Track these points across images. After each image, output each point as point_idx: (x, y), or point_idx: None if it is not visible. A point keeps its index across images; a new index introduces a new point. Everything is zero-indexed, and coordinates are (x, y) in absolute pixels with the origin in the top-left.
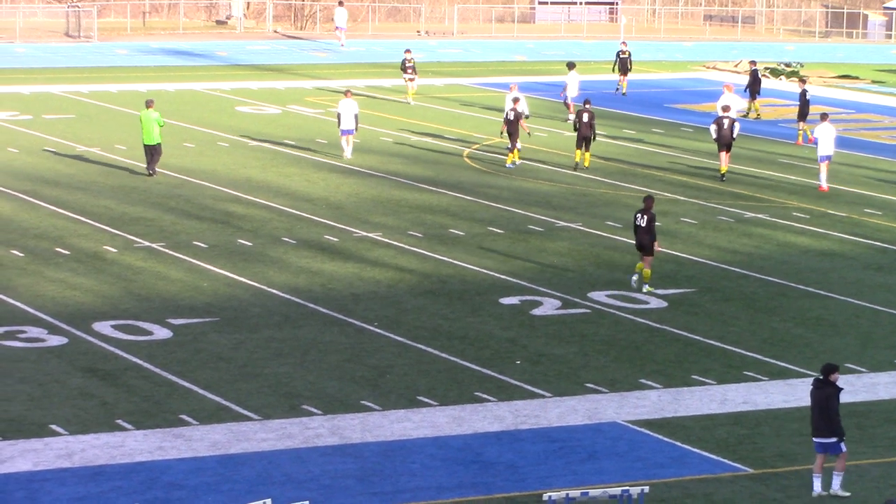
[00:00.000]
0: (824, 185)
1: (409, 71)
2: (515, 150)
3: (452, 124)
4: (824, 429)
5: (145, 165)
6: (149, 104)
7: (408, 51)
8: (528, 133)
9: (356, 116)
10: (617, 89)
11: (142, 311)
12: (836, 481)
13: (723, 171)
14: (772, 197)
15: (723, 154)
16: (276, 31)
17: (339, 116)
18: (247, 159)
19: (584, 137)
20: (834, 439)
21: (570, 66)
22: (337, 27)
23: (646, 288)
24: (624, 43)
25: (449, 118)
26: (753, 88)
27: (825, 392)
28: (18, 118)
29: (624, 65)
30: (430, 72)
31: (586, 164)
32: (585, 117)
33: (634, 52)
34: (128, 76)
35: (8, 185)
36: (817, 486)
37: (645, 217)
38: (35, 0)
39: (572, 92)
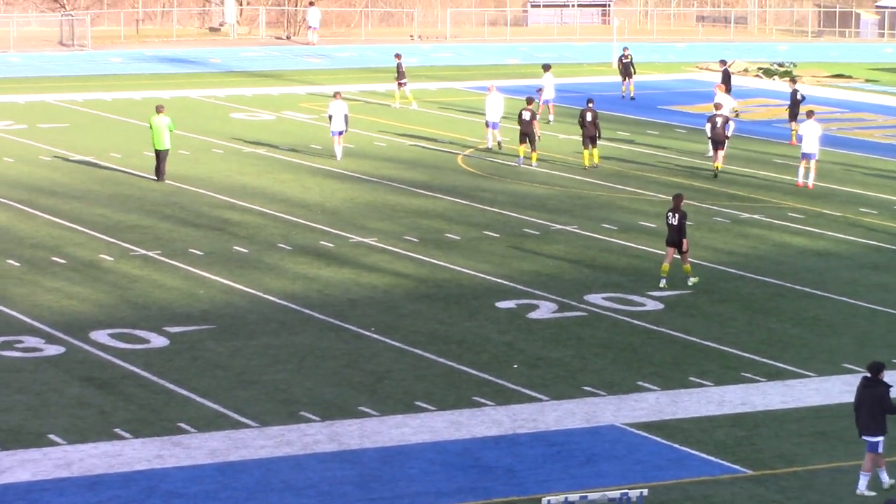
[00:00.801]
0: (801, 180)
1: (402, 76)
2: (533, 153)
3: (446, 128)
4: (874, 427)
5: (148, 172)
6: (159, 109)
7: (398, 55)
8: (538, 137)
9: (346, 117)
10: (623, 95)
11: (139, 320)
12: (864, 482)
13: (717, 167)
14: (767, 197)
15: (719, 152)
16: (288, 38)
17: (330, 118)
18: (242, 166)
19: (591, 136)
20: (881, 437)
21: (546, 67)
22: (310, 26)
23: (691, 280)
24: (626, 48)
25: (443, 122)
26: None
27: (877, 391)
28: (13, 127)
29: (627, 69)
30: (424, 76)
31: (596, 160)
32: (589, 116)
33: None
34: (122, 84)
35: (3, 194)
36: (863, 484)
37: (676, 215)
38: (29, 9)
39: (548, 94)
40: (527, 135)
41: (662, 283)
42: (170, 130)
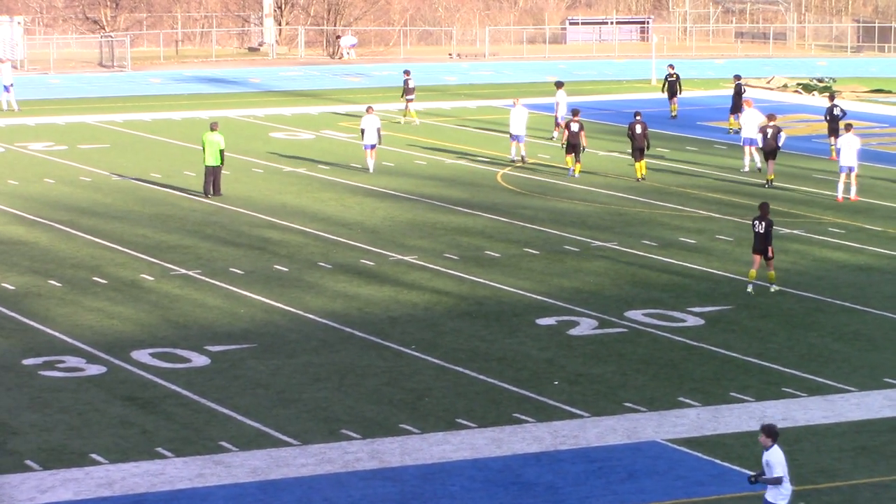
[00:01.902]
0: (841, 195)
1: (410, 93)
2: (577, 165)
3: (486, 146)
4: None
5: (189, 192)
6: (213, 127)
7: (406, 72)
8: (584, 148)
9: (378, 131)
10: (673, 115)
11: (180, 339)
12: None
13: (769, 178)
14: (807, 213)
15: (770, 162)
16: (343, 56)
17: (362, 132)
18: (281, 185)
19: (639, 148)
20: None
21: (559, 85)
22: (342, 46)
23: (773, 288)
24: (671, 66)
25: (482, 140)
26: (736, 103)
27: None
28: (54, 149)
29: (672, 87)
30: (463, 94)
31: (643, 172)
32: (639, 128)
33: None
34: (161, 105)
35: (45, 215)
36: None
37: (763, 223)
38: (69, 31)
39: (561, 110)
40: (574, 146)
41: (750, 288)
42: (220, 149)
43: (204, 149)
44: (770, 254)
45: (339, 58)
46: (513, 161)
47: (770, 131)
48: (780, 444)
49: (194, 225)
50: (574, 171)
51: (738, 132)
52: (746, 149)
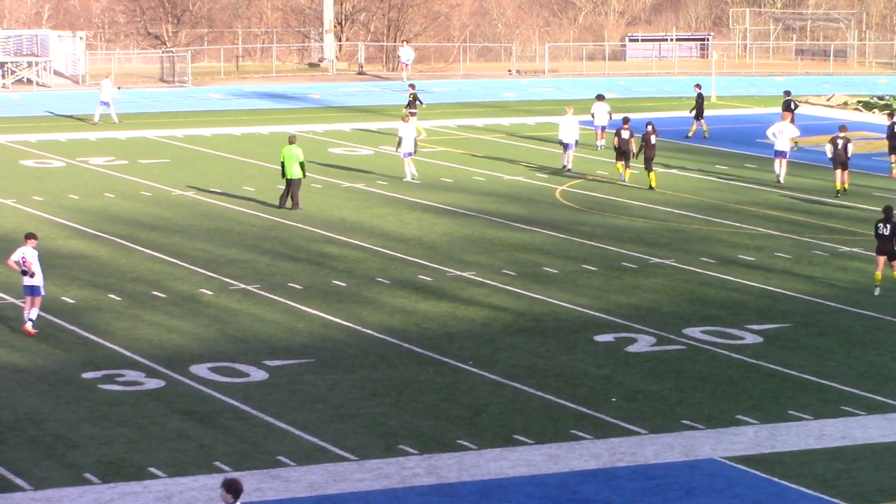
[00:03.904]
0: None
1: (414, 107)
2: (627, 170)
3: (545, 162)
4: None
5: (249, 208)
6: (292, 140)
7: (412, 85)
8: (634, 153)
9: (415, 140)
10: (705, 136)
11: (238, 353)
12: None
13: (839, 188)
14: (866, 231)
15: (838, 172)
16: (404, 68)
17: (400, 140)
18: (340, 200)
19: (650, 157)
20: None
21: (600, 97)
22: (402, 62)
23: (876, 291)
24: (698, 86)
25: (541, 157)
26: (699, 110)
27: None
28: (114, 163)
29: (700, 107)
30: (522, 111)
31: (654, 184)
32: (653, 139)
33: (726, 87)
34: (221, 120)
35: (105, 229)
36: None
37: (888, 226)
38: (130, 46)
39: (600, 120)
40: (625, 153)
41: (877, 291)
42: (299, 161)
43: (283, 162)
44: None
45: (401, 69)
46: (565, 167)
47: (840, 142)
48: (838, 462)
49: (253, 240)
50: (625, 176)
51: (798, 147)
52: (777, 161)
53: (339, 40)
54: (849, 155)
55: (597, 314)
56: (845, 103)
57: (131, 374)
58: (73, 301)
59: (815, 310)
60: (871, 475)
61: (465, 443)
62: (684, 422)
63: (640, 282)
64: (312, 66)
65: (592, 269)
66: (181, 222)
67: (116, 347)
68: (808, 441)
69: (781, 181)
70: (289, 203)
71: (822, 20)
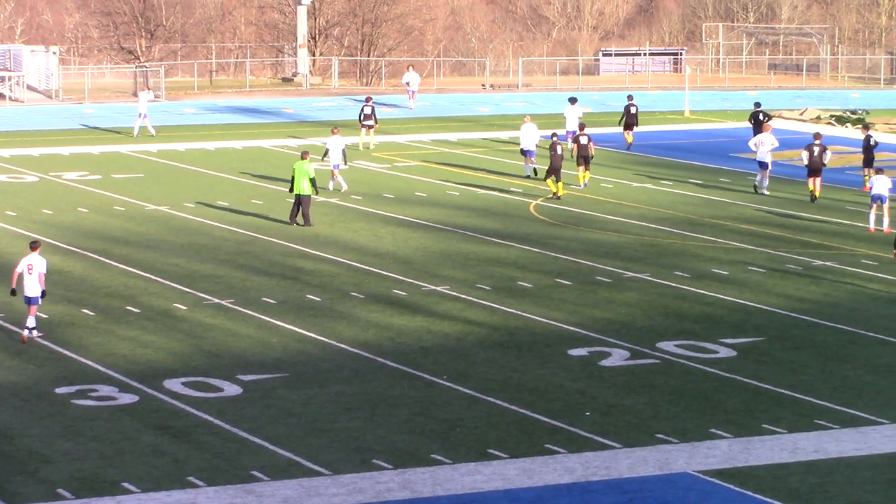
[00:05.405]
0: (873, 226)
1: (369, 119)
2: (587, 173)
3: (519, 177)
4: None
5: (221, 222)
6: (304, 156)
7: (368, 99)
8: (593, 156)
9: (343, 152)
10: (629, 145)
11: (212, 368)
12: None
13: (813, 191)
14: (840, 244)
15: (812, 179)
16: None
17: (326, 151)
18: (315, 215)
19: (584, 156)
20: None
21: (572, 101)
22: (410, 90)
23: None
24: (630, 97)
25: (516, 170)
26: (628, 122)
27: None
28: (88, 178)
29: (631, 118)
30: (496, 125)
31: (587, 180)
32: (584, 139)
33: (700, 102)
34: (195, 134)
35: (79, 244)
36: None
37: None
38: (103, 61)
39: (571, 125)
40: (584, 157)
41: None
42: (309, 177)
43: (294, 177)
44: None
45: (411, 98)
46: (528, 177)
47: (816, 150)
48: (812, 476)
49: (227, 254)
50: (586, 179)
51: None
52: (760, 173)
53: (313, 55)
54: (825, 161)
55: (571, 328)
56: (818, 117)
57: (105, 389)
58: (46, 316)
59: (789, 323)
60: (844, 489)
61: (439, 457)
62: (658, 436)
63: (615, 296)
64: (286, 80)
65: (567, 283)
66: (155, 237)
67: (90, 362)
68: (782, 455)
69: (765, 192)
70: (300, 219)
71: (795, 35)
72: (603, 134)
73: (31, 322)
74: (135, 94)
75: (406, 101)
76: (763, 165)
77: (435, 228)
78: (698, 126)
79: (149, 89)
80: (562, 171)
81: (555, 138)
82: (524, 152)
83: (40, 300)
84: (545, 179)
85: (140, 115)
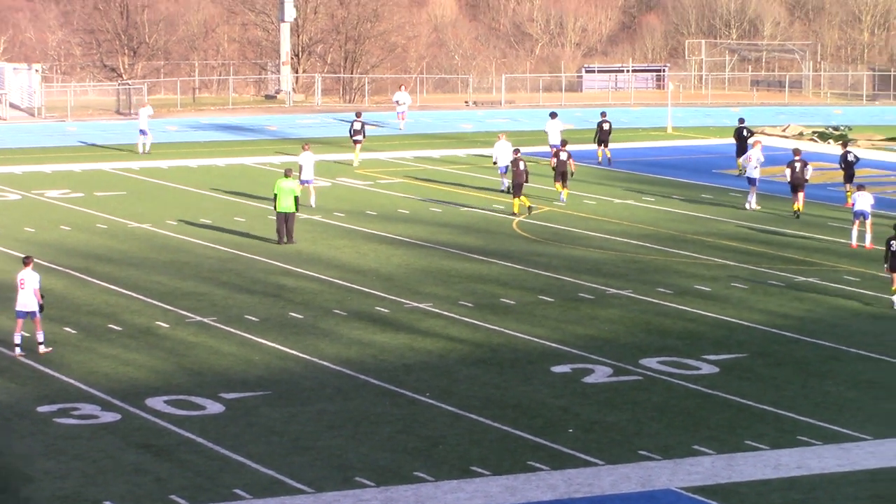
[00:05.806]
0: (855, 242)
1: (358, 134)
2: (565, 189)
3: (501, 194)
4: None
5: (201, 239)
6: (287, 174)
7: (358, 114)
8: (573, 173)
9: (312, 167)
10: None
11: (194, 386)
12: None
13: (797, 209)
14: (822, 260)
15: (797, 195)
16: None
17: (300, 168)
18: (297, 232)
19: (562, 172)
20: None
21: (552, 115)
22: (399, 111)
23: None
24: (603, 114)
25: (498, 187)
26: (601, 138)
27: None
28: (70, 195)
29: (604, 134)
30: (479, 142)
31: (566, 194)
32: (564, 155)
33: (682, 118)
34: (178, 152)
35: (61, 262)
36: None
37: None
38: (86, 78)
39: (553, 139)
40: (563, 174)
41: None
42: (294, 195)
43: (276, 195)
44: None
45: (400, 118)
46: (503, 191)
47: (798, 166)
48: (794, 492)
49: (209, 272)
50: (564, 195)
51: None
52: (752, 188)
53: (296, 72)
54: (807, 177)
55: (553, 345)
56: (801, 134)
57: (87, 408)
58: (28, 334)
59: (772, 340)
60: None
61: (421, 475)
62: (641, 452)
63: (597, 312)
64: (269, 97)
65: (549, 300)
66: (137, 255)
67: (72, 381)
68: (765, 471)
69: (753, 207)
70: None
71: (778, 51)
72: (585, 151)
73: (39, 336)
74: (118, 112)
75: (395, 118)
76: (751, 181)
77: (418, 245)
78: (681, 142)
79: (149, 105)
80: (530, 185)
81: (517, 154)
82: (500, 168)
83: (38, 314)
84: (513, 198)
85: (142, 131)
